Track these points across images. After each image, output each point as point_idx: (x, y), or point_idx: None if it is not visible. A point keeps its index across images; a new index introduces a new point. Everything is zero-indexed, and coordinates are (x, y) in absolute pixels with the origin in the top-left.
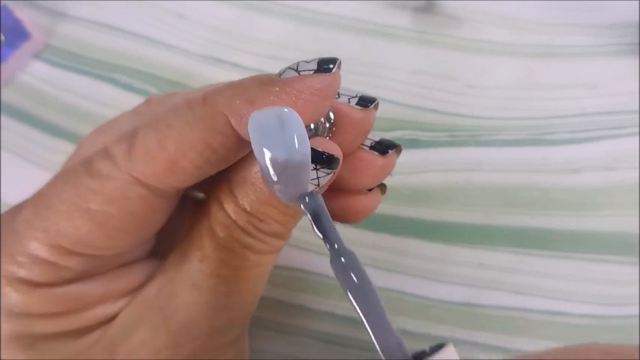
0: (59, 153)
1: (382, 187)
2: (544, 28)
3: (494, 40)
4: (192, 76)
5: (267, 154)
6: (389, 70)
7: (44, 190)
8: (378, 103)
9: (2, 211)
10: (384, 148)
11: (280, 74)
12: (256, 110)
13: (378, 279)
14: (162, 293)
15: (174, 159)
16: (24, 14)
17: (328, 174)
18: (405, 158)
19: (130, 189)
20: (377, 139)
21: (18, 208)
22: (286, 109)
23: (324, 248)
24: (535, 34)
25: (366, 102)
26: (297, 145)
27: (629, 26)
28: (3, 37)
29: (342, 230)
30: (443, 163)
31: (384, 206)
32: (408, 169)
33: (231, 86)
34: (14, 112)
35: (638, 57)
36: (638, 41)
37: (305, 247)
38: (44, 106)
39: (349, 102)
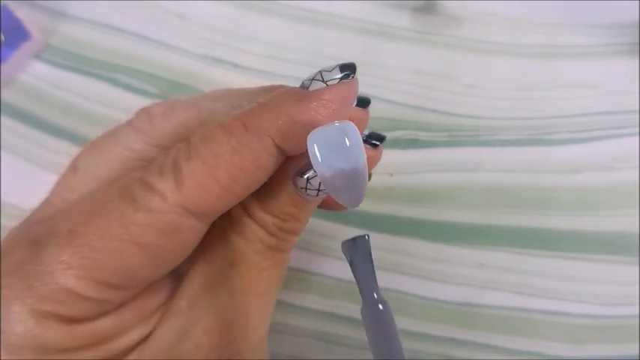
0: (59, 153)
1: (369, 177)
2: (544, 28)
3: (494, 40)
4: (192, 76)
5: (333, 167)
6: (389, 70)
7: (77, 229)
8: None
9: (2, 211)
10: (373, 141)
11: (307, 87)
12: (319, 127)
13: (379, 279)
14: (196, 303)
15: (227, 187)
16: (24, 14)
17: None
18: (405, 158)
19: (182, 221)
20: (366, 132)
21: (32, 248)
22: (349, 124)
23: (324, 248)
24: (535, 34)
25: (363, 103)
26: (359, 156)
27: (629, 26)
28: (3, 37)
29: (342, 229)
30: (443, 163)
31: (384, 206)
32: (408, 169)
33: (265, 107)
34: (14, 112)
35: (638, 57)
36: (638, 41)
37: (305, 247)
38: (44, 106)
39: None
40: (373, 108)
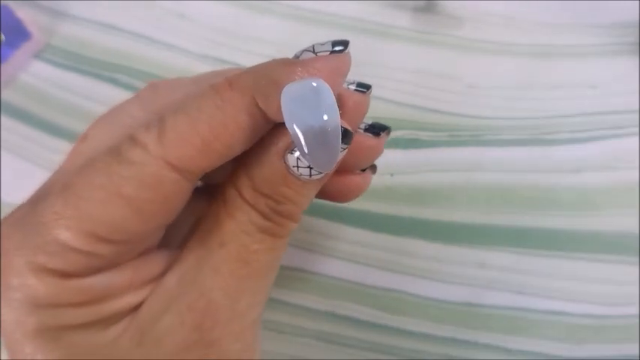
0: (60, 153)
1: (373, 168)
2: (544, 28)
3: (494, 39)
4: None
5: (303, 123)
6: (389, 70)
7: (70, 181)
8: (371, 89)
9: (2, 211)
10: (376, 130)
11: (298, 56)
12: (290, 83)
13: (379, 279)
14: (184, 280)
15: (207, 141)
16: (24, 14)
17: (344, 149)
18: (406, 158)
19: (163, 174)
20: (370, 122)
21: (33, 203)
22: (319, 80)
23: (324, 248)
24: (535, 34)
25: (363, 87)
26: (330, 113)
27: (629, 26)
28: (4, 37)
29: (342, 229)
30: (443, 163)
31: (384, 206)
32: (409, 169)
33: (254, 70)
34: (14, 112)
35: (638, 57)
36: (638, 41)
37: (305, 246)
38: (45, 106)
39: (348, 87)
40: (374, 108)
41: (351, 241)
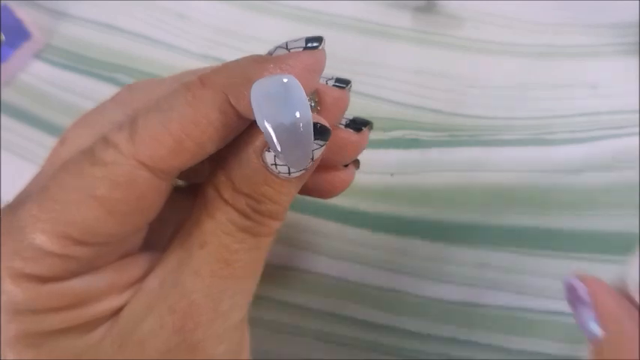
0: None
1: (356, 163)
2: (544, 28)
3: (494, 39)
4: None
5: (273, 120)
6: (389, 70)
7: (46, 185)
8: (351, 85)
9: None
10: (358, 125)
11: (271, 53)
12: (262, 78)
13: (379, 279)
14: (165, 282)
15: (179, 140)
16: (24, 14)
17: (321, 146)
18: (406, 158)
19: (136, 174)
20: (351, 117)
21: (13, 207)
22: (288, 76)
23: (324, 248)
24: (535, 34)
25: (342, 82)
26: (301, 109)
27: (629, 26)
28: (4, 37)
29: (342, 229)
30: (443, 163)
31: (384, 206)
32: (409, 169)
33: (226, 67)
34: (14, 112)
35: (638, 57)
36: (638, 41)
37: (304, 246)
38: (45, 106)
39: (327, 83)
40: (374, 108)
41: (351, 241)
